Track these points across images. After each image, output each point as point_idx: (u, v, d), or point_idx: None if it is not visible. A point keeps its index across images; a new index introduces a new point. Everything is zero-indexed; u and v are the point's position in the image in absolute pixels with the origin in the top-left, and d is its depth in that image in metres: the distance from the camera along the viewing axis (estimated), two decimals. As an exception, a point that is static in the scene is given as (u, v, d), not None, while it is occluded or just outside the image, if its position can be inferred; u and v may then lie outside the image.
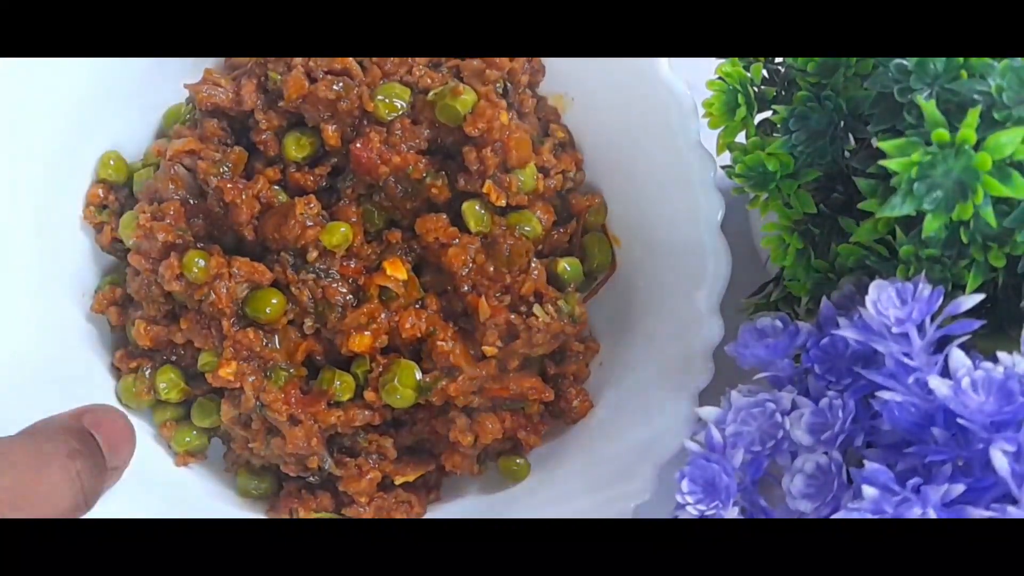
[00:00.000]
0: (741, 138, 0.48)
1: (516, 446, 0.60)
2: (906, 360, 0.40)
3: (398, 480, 0.59)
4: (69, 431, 0.41)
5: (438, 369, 0.56)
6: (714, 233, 0.57)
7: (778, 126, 0.47)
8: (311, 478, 0.59)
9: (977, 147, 0.37)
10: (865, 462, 0.39)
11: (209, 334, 0.56)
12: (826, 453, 0.41)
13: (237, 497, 0.60)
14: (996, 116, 0.38)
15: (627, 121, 0.60)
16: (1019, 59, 0.39)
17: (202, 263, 0.55)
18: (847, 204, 0.48)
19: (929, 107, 0.38)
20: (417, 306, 0.57)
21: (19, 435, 0.40)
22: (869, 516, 0.37)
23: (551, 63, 0.62)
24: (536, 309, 0.57)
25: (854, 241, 0.45)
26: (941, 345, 0.40)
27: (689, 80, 0.54)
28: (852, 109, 0.45)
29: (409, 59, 0.57)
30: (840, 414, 0.41)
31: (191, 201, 0.57)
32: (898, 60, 0.40)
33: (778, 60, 0.49)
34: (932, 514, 0.37)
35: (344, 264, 0.56)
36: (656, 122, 0.58)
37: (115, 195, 0.61)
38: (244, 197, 0.56)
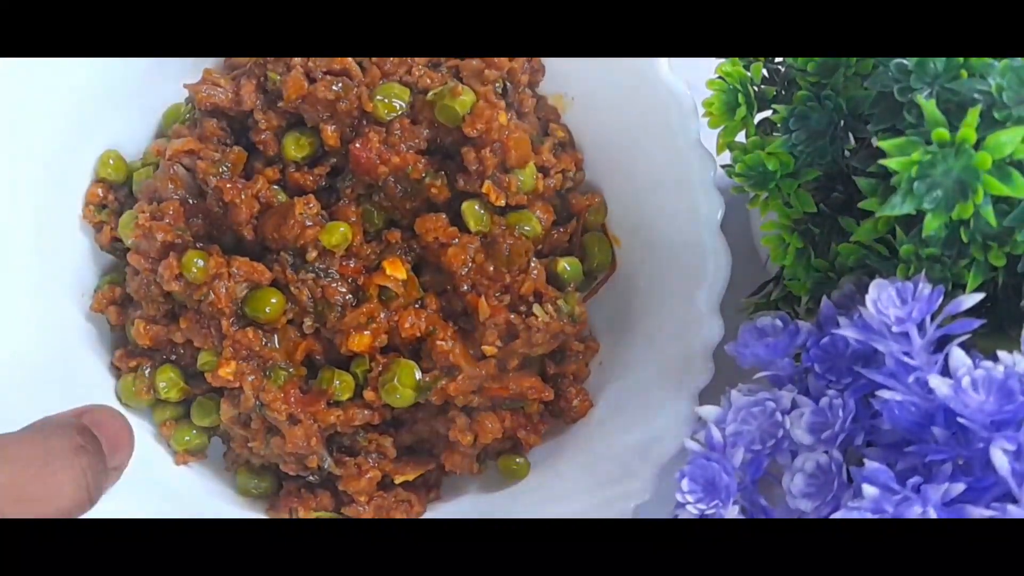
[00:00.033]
0: (741, 137, 0.48)
1: (516, 445, 0.60)
2: (906, 359, 0.40)
3: (398, 479, 0.59)
4: (73, 428, 0.41)
5: (438, 368, 0.56)
6: (714, 233, 0.57)
7: (778, 125, 0.47)
8: (311, 477, 0.59)
9: (977, 146, 0.37)
10: (865, 461, 0.39)
11: (208, 333, 0.56)
12: (826, 452, 0.41)
13: (237, 496, 0.60)
14: (996, 115, 0.38)
15: (627, 121, 0.60)
16: (1019, 59, 0.39)
17: (201, 263, 0.55)
18: (847, 203, 0.48)
19: (929, 106, 0.38)
20: (416, 306, 0.57)
21: (24, 430, 0.40)
22: (869, 515, 0.37)
23: (551, 63, 0.62)
24: (536, 309, 0.57)
25: (854, 240, 0.45)
26: (941, 344, 0.40)
27: (689, 80, 0.54)
28: (852, 109, 0.45)
29: (408, 59, 0.57)
30: (840, 413, 0.41)
31: (190, 201, 0.57)
32: (898, 60, 0.40)
33: (778, 60, 0.49)
34: (932, 513, 0.37)
35: (343, 264, 0.56)
36: (656, 122, 0.58)
37: (114, 195, 0.61)
38: (243, 197, 0.56)
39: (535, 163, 0.58)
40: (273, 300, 0.56)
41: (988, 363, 0.38)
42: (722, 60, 0.48)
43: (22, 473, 0.37)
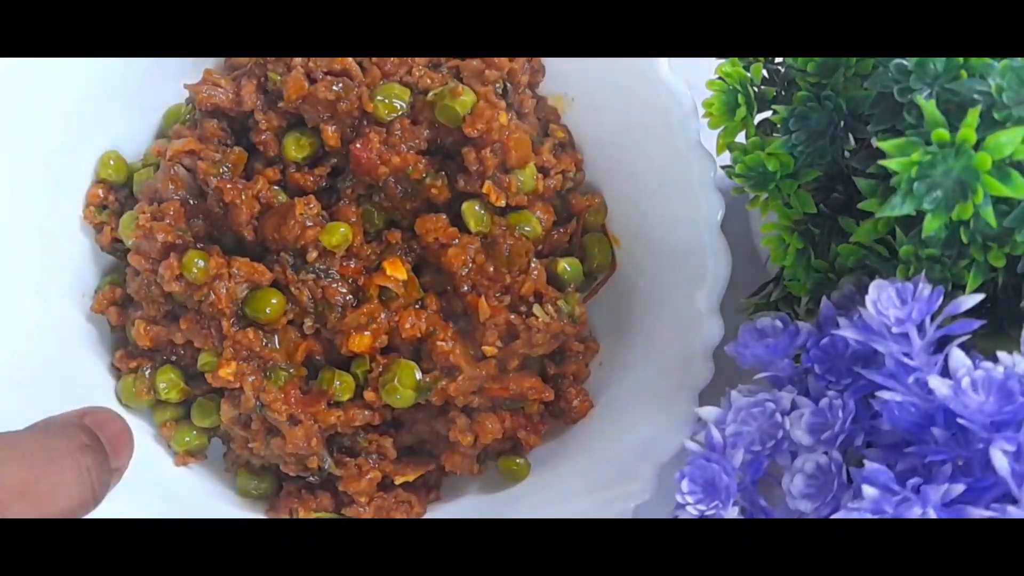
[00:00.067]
0: (741, 138, 0.48)
1: (516, 446, 0.60)
2: (906, 360, 0.40)
3: (398, 480, 0.59)
4: (76, 427, 0.41)
5: (438, 369, 0.56)
6: (714, 233, 0.57)
7: (778, 126, 0.47)
8: (311, 478, 0.59)
9: (977, 147, 0.37)
10: (865, 462, 0.39)
11: (209, 334, 0.56)
12: (826, 453, 0.41)
13: (237, 497, 0.60)
14: (996, 116, 0.38)
15: (627, 121, 0.60)
16: (1019, 59, 0.39)
17: (202, 263, 0.55)
18: (847, 204, 0.48)
19: (929, 107, 0.38)
20: (417, 306, 0.57)
21: (28, 429, 0.40)
22: (869, 516, 0.37)
23: (551, 63, 0.62)
24: (536, 309, 0.57)
25: (854, 241, 0.45)
26: (941, 345, 0.40)
27: (689, 80, 0.54)
28: (852, 109, 0.45)
29: (409, 59, 0.57)
30: (840, 414, 0.41)
31: (191, 201, 0.57)
32: (898, 60, 0.40)
33: (778, 60, 0.49)
34: (932, 514, 0.37)
35: (344, 264, 0.56)
36: (656, 122, 0.58)
37: (115, 195, 0.61)
38: (244, 197, 0.56)
39: (535, 164, 0.58)
40: (273, 301, 0.56)
41: (988, 364, 0.38)
42: (722, 60, 0.48)
43: (28, 470, 0.37)
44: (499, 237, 0.57)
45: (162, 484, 0.58)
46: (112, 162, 0.61)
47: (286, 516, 0.58)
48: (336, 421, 0.56)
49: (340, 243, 0.55)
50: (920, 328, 0.40)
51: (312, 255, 0.56)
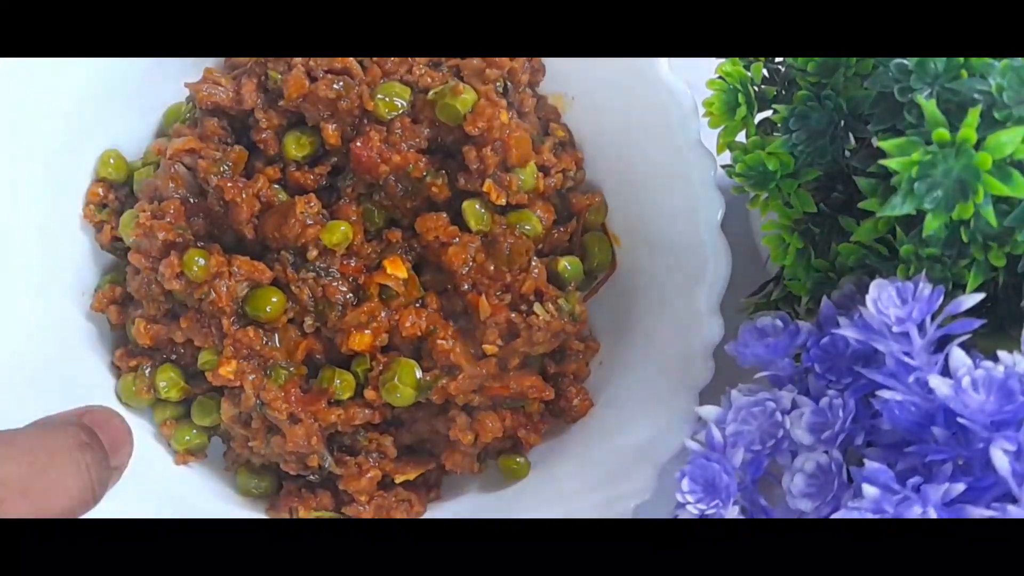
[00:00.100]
0: (741, 137, 0.48)
1: (516, 445, 0.60)
2: (906, 359, 0.40)
3: (398, 479, 0.59)
4: (76, 426, 0.41)
5: (438, 368, 0.56)
6: (714, 232, 0.57)
7: (778, 125, 0.47)
8: (311, 477, 0.59)
9: (977, 146, 0.37)
10: (865, 461, 0.39)
11: (209, 333, 0.56)
12: (826, 452, 0.41)
13: (237, 496, 0.60)
14: (996, 115, 0.38)
15: (627, 120, 0.60)
16: (1019, 59, 0.39)
17: (202, 262, 0.55)
18: (847, 203, 0.47)
19: (929, 107, 0.38)
20: (417, 305, 0.57)
21: (28, 427, 0.40)
22: (869, 515, 0.37)
23: (551, 63, 0.62)
24: (536, 308, 0.57)
25: (854, 240, 0.45)
26: (941, 344, 0.40)
27: (689, 80, 0.54)
28: (852, 109, 0.45)
29: (409, 58, 0.57)
30: (840, 413, 0.41)
31: (191, 200, 0.57)
32: (898, 60, 0.40)
33: (778, 60, 0.49)
34: (932, 513, 0.37)
35: (344, 263, 0.56)
36: (656, 121, 0.58)
37: (115, 194, 0.61)
38: (244, 196, 0.56)
39: (536, 162, 0.58)
40: (274, 299, 0.56)
41: (988, 363, 0.38)
42: (722, 60, 0.48)
43: (28, 468, 0.38)
44: (499, 236, 0.57)
45: (162, 483, 0.58)
46: (112, 161, 0.61)
47: (286, 515, 0.58)
48: (336, 420, 0.56)
49: (340, 241, 0.55)
50: (920, 327, 0.40)
51: (312, 253, 0.56)
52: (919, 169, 0.38)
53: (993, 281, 0.42)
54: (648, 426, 0.57)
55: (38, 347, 0.57)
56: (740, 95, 0.47)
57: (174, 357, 0.59)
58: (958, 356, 0.39)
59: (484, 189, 0.56)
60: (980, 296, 0.40)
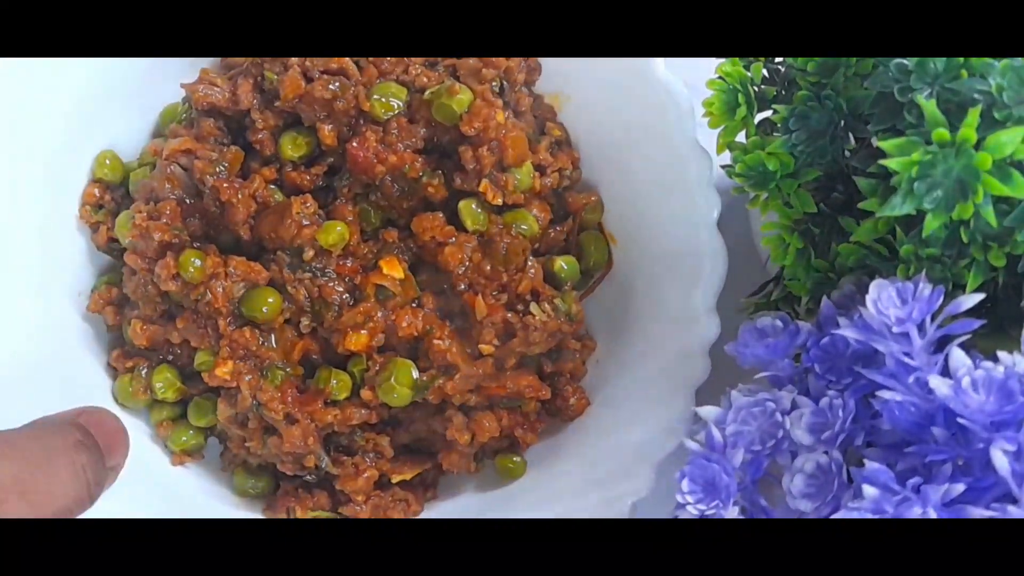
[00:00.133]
0: (741, 137, 0.48)
1: (513, 444, 0.60)
2: (906, 360, 0.40)
3: (395, 478, 0.59)
4: (71, 426, 0.41)
5: (435, 367, 0.56)
6: (711, 231, 0.57)
7: (778, 125, 0.47)
8: (308, 477, 0.58)
9: (977, 146, 0.37)
10: (865, 462, 0.39)
11: (205, 333, 0.56)
12: (826, 453, 0.41)
13: (234, 496, 0.60)
14: (996, 115, 0.38)
15: (623, 119, 0.60)
16: (1019, 59, 0.39)
17: (198, 262, 0.55)
18: (847, 204, 0.47)
19: (929, 106, 0.38)
20: (413, 305, 0.57)
21: (23, 428, 0.40)
22: (869, 516, 0.37)
23: (547, 62, 0.62)
24: (533, 307, 0.57)
25: (854, 241, 0.45)
26: (941, 345, 0.40)
27: (689, 80, 0.54)
28: (852, 109, 0.45)
29: (405, 58, 0.57)
30: (840, 414, 0.41)
31: (187, 200, 0.57)
32: (898, 60, 0.40)
33: (778, 60, 0.49)
34: (932, 514, 0.37)
35: (340, 263, 0.56)
36: (652, 120, 0.58)
37: (111, 195, 0.61)
38: (240, 196, 0.56)
39: (532, 162, 0.58)
40: (270, 299, 0.55)
41: (988, 363, 0.38)
42: (722, 60, 0.48)
43: (24, 468, 0.38)
44: (496, 235, 0.57)
45: (159, 483, 0.58)
46: (108, 162, 0.61)
47: (283, 515, 0.58)
48: (333, 420, 0.56)
49: (337, 242, 0.55)
50: (920, 328, 0.40)
51: (309, 254, 0.55)
52: (919, 169, 0.38)
53: (993, 281, 0.42)
54: (645, 424, 0.57)
55: (34, 348, 0.57)
56: (740, 95, 0.47)
57: (170, 358, 0.59)
58: (958, 356, 0.39)
59: (480, 189, 0.56)
60: (980, 296, 0.40)
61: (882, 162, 0.39)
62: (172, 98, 0.62)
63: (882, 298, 0.41)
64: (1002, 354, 0.38)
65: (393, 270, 0.56)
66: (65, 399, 0.45)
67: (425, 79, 0.57)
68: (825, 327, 0.44)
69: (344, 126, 0.56)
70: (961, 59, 0.39)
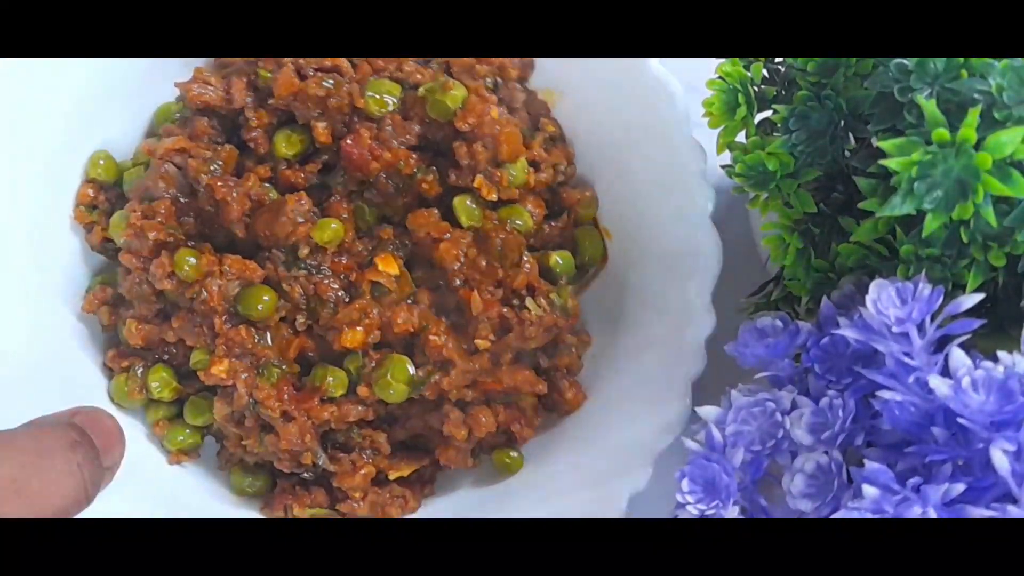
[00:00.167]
0: (741, 137, 0.48)
1: (510, 439, 0.60)
2: (906, 360, 0.40)
3: (392, 475, 0.58)
4: (67, 426, 0.41)
5: (431, 363, 0.56)
6: (705, 225, 0.57)
7: (778, 125, 0.46)
8: (305, 474, 0.58)
9: (977, 146, 0.37)
10: (865, 462, 0.39)
11: (201, 332, 0.56)
12: (826, 453, 0.41)
13: (231, 495, 0.60)
14: (996, 115, 0.38)
15: (617, 114, 0.60)
16: (1019, 59, 0.39)
17: (193, 261, 0.55)
18: (847, 204, 0.47)
19: (929, 106, 0.38)
20: (409, 301, 0.57)
21: (19, 428, 0.40)
22: (869, 516, 0.37)
23: (540, 58, 0.61)
24: (529, 302, 0.57)
25: (854, 241, 0.45)
26: (941, 344, 0.40)
27: (689, 80, 0.54)
28: (852, 109, 0.45)
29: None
30: (840, 414, 0.41)
31: (182, 199, 0.57)
32: (898, 60, 0.40)
33: (778, 60, 0.49)
34: (932, 514, 0.37)
35: (336, 260, 0.56)
36: (646, 115, 0.58)
37: (105, 195, 0.61)
38: (235, 195, 0.55)
39: (526, 157, 0.58)
40: (265, 298, 0.55)
41: (988, 363, 0.38)
42: (722, 60, 0.48)
43: (20, 469, 0.38)
44: (491, 231, 0.56)
45: (156, 483, 0.57)
46: (102, 162, 0.60)
47: (281, 513, 0.58)
48: (330, 417, 0.56)
49: (332, 239, 0.55)
50: (920, 328, 0.40)
51: (304, 252, 0.55)
52: (919, 169, 0.38)
53: (993, 281, 0.42)
54: (642, 418, 0.57)
55: (30, 349, 0.56)
56: (740, 95, 0.46)
57: (166, 357, 0.58)
58: (958, 356, 0.39)
59: (475, 185, 0.56)
60: (980, 296, 0.40)
61: (882, 162, 0.39)
62: (166, 97, 0.62)
63: (882, 298, 0.41)
64: (1002, 354, 0.38)
65: (388, 267, 0.56)
66: (61, 399, 0.45)
67: (419, 76, 0.57)
68: (825, 327, 0.44)
69: (338, 123, 0.56)
70: (961, 59, 0.39)
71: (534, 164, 0.59)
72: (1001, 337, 0.42)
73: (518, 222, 0.57)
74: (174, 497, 0.58)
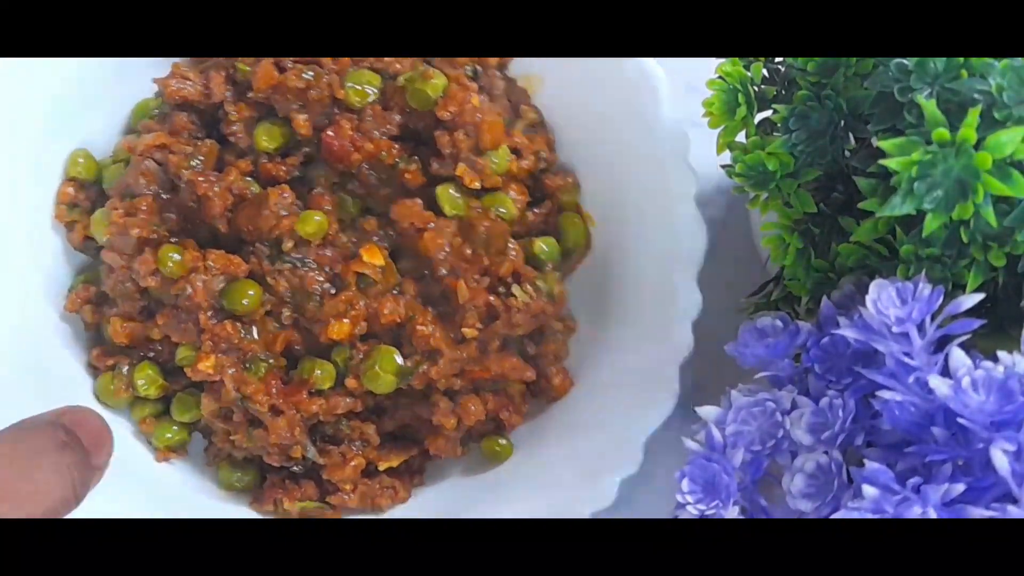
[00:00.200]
0: (741, 137, 0.48)
1: (499, 427, 0.60)
2: (906, 359, 0.40)
3: (382, 466, 0.58)
4: (55, 426, 0.41)
5: (419, 353, 0.55)
6: (688, 206, 0.57)
7: (778, 125, 0.46)
8: (295, 468, 0.58)
9: (977, 146, 0.37)
10: (865, 462, 0.39)
11: (187, 328, 0.55)
12: (826, 453, 0.41)
13: (220, 490, 0.59)
14: (996, 115, 0.38)
15: (598, 100, 0.60)
16: (1019, 59, 0.38)
17: (177, 257, 0.54)
18: (847, 203, 0.47)
19: (929, 106, 0.38)
20: (395, 292, 0.56)
21: (7, 429, 0.40)
22: (869, 516, 0.37)
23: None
24: (515, 289, 0.56)
25: (854, 241, 0.45)
26: (941, 344, 0.40)
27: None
28: (852, 108, 0.44)
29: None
30: (840, 414, 0.41)
31: (163, 195, 0.56)
32: (898, 60, 0.40)
33: (778, 60, 0.49)
34: (932, 514, 0.37)
35: (320, 253, 0.56)
36: (627, 100, 0.58)
37: (85, 193, 0.60)
38: (217, 190, 0.55)
39: (508, 145, 0.58)
40: (251, 292, 0.55)
41: (988, 363, 0.38)
42: (722, 60, 0.47)
43: (8, 470, 0.38)
44: (475, 219, 0.56)
45: (144, 480, 0.57)
46: (81, 160, 0.60)
47: (271, 507, 0.58)
48: (318, 410, 0.55)
49: (316, 232, 0.55)
50: (920, 328, 0.40)
51: (288, 245, 0.55)
52: (919, 169, 0.38)
53: (993, 281, 0.42)
54: (630, 401, 0.57)
55: (14, 350, 0.56)
56: (740, 95, 0.46)
57: (151, 355, 0.58)
58: (958, 356, 0.39)
59: (457, 173, 0.56)
60: (980, 296, 0.40)
61: (882, 162, 0.38)
62: (143, 93, 0.61)
63: (882, 298, 0.41)
64: (1002, 354, 0.38)
65: (373, 258, 0.56)
66: (47, 400, 0.45)
67: (399, 65, 0.57)
68: (825, 327, 0.44)
69: (319, 115, 0.56)
70: (961, 59, 0.39)
71: (516, 151, 0.59)
72: (1001, 337, 0.42)
73: (502, 210, 0.57)
74: (163, 494, 0.57)
